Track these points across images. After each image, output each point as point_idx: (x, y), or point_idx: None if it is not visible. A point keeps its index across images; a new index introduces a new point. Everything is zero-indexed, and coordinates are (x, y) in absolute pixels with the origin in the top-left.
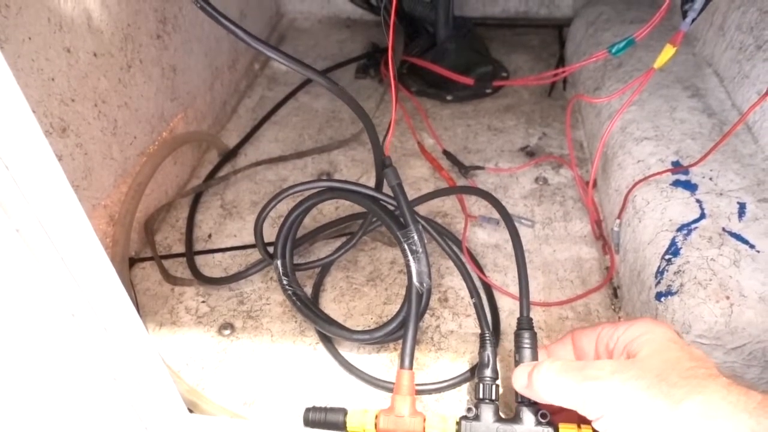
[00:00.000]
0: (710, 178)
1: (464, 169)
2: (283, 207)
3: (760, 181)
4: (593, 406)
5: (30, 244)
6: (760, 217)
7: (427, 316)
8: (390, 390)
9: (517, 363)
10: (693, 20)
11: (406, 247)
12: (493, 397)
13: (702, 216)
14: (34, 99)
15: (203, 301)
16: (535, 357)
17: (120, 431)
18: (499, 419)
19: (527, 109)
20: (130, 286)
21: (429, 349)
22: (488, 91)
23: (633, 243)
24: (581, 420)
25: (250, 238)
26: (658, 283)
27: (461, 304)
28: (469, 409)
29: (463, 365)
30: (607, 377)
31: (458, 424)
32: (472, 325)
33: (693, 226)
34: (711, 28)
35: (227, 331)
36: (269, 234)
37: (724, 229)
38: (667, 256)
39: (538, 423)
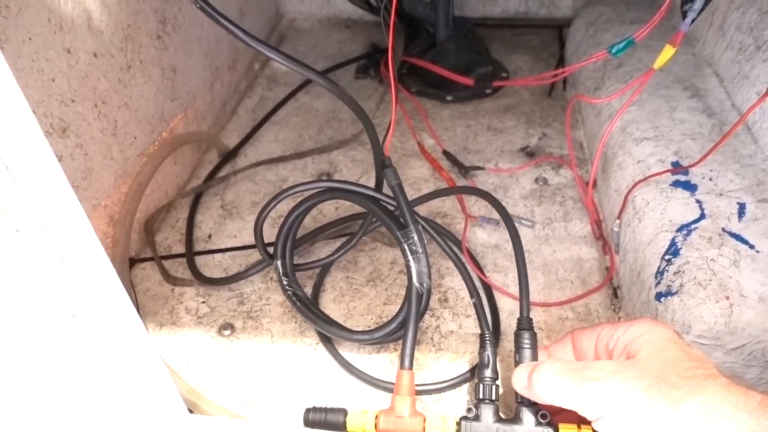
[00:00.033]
0: (710, 179)
1: (464, 170)
2: (283, 207)
3: (759, 181)
4: (593, 406)
5: (30, 245)
6: (760, 217)
7: (427, 316)
8: (390, 390)
9: (517, 363)
10: (693, 21)
11: (406, 247)
12: (493, 398)
13: (702, 216)
14: (35, 99)
15: (203, 302)
16: (535, 357)
17: (120, 431)
18: (499, 419)
19: (527, 109)
20: (131, 287)
21: (429, 350)
22: (488, 91)
23: (633, 243)
24: (581, 420)
25: (250, 239)
26: (658, 283)
27: (461, 305)
28: (469, 410)
29: (463, 365)
30: (606, 378)
31: (458, 424)
32: (472, 326)
33: (693, 226)
34: (711, 28)
35: (227, 332)
36: (269, 234)
37: (723, 230)
38: (667, 257)
39: (538, 423)
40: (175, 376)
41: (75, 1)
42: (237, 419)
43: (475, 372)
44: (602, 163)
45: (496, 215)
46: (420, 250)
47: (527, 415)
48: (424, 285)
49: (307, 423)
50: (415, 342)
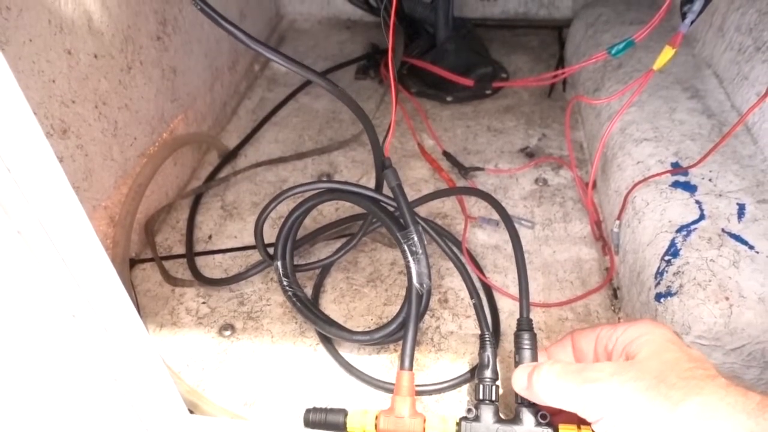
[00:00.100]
0: (710, 179)
1: (464, 170)
2: (284, 208)
3: (759, 182)
4: (593, 408)
5: (31, 246)
6: (760, 218)
7: (427, 317)
8: (390, 391)
9: (516, 364)
10: (692, 22)
11: (406, 248)
12: (493, 398)
13: (701, 217)
14: (35, 101)
15: (204, 302)
16: (534, 358)
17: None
18: (499, 420)
19: (527, 110)
20: (131, 287)
21: (429, 350)
22: (488, 92)
23: (632, 244)
24: (581, 421)
25: (250, 239)
26: (658, 284)
27: (461, 305)
28: (469, 410)
29: (463, 366)
30: (606, 379)
31: (458, 424)
32: (472, 326)
33: (692, 227)
34: (710, 29)
35: (228, 332)
36: (269, 235)
37: (723, 230)
38: (666, 257)
39: (538, 424)
40: (176, 377)
41: (75, 3)
42: (237, 420)
43: (475, 372)
44: (602, 163)
45: (496, 216)
46: (420, 251)
47: (527, 416)
48: (424, 286)
49: (308, 423)
50: (415, 343)
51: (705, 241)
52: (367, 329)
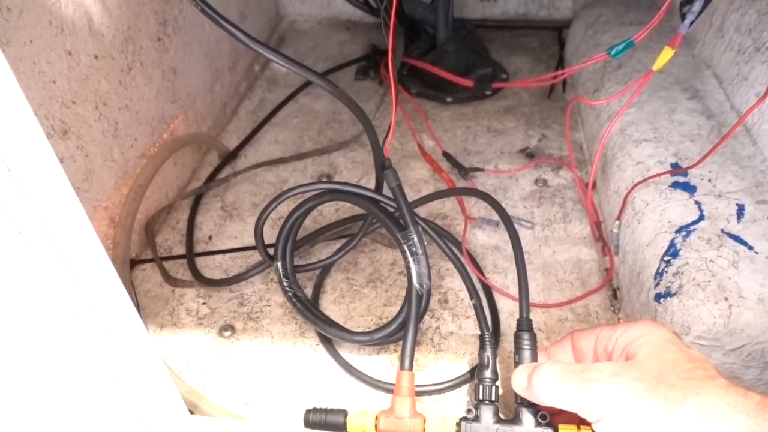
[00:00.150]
0: (709, 180)
1: (464, 171)
2: (284, 209)
3: (758, 182)
4: (593, 408)
5: (32, 246)
6: (759, 218)
7: (427, 317)
8: (390, 391)
9: (516, 364)
10: (691, 23)
11: (406, 248)
12: (493, 399)
13: (701, 217)
14: (36, 101)
15: (204, 303)
16: (534, 358)
17: None
18: (498, 420)
19: (527, 110)
20: (131, 288)
21: (429, 351)
22: (488, 92)
23: (632, 244)
24: (581, 421)
25: (250, 240)
26: (657, 284)
27: (461, 306)
28: (469, 410)
29: (463, 366)
30: (606, 379)
31: (458, 425)
32: (471, 327)
33: (692, 227)
34: (710, 29)
35: (228, 333)
36: (269, 236)
37: (722, 231)
38: (666, 258)
39: (538, 424)
40: (176, 377)
41: (76, 4)
42: (237, 420)
43: (474, 373)
44: (602, 164)
45: (495, 216)
46: (420, 252)
47: (527, 416)
48: (424, 286)
49: (308, 424)
50: (415, 343)
51: (704, 241)
52: (367, 330)
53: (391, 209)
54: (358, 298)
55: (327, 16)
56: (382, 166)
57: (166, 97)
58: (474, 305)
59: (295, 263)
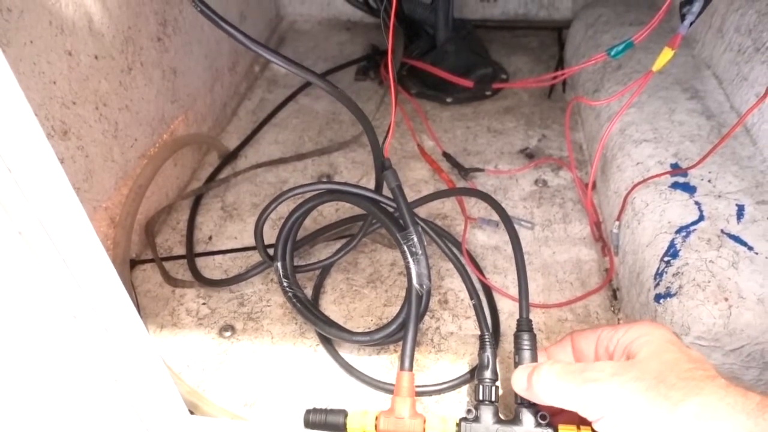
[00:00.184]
0: (709, 180)
1: (464, 171)
2: (284, 209)
3: (758, 183)
4: (593, 407)
5: (32, 246)
6: (759, 219)
7: (426, 317)
8: (390, 392)
9: (516, 365)
10: (691, 23)
11: (405, 249)
12: (493, 399)
13: (701, 218)
14: (36, 102)
15: (204, 303)
16: (534, 359)
17: None
18: (498, 421)
19: (527, 111)
20: (131, 288)
21: (429, 351)
22: (488, 93)
23: (632, 245)
24: (581, 421)
25: (250, 240)
26: (657, 284)
27: (461, 306)
28: (468, 411)
29: (463, 367)
30: (606, 379)
31: (458, 425)
32: (471, 327)
33: (692, 228)
34: (710, 30)
35: (228, 333)
36: (269, 236)
37: (722, 231)
38: (666, 258)
39: (538, 424)
40: (176, 378)
41: (76, 4)
42: (237, 420)
43: (474, 373)
44: (601, 164)
45: (495, 217)
46: (420, 252)
47: (527, 416)
48: (424, 286)
49: (308, 424)
50: (415, 343)
51: (704, 242)
52: (367, 330)
53: (391, 209)
54: (358, 298)
55: (327, 17)
56: (382, 167)
57: (166, 97)
58: (474, 306)
59: (295, 263)
